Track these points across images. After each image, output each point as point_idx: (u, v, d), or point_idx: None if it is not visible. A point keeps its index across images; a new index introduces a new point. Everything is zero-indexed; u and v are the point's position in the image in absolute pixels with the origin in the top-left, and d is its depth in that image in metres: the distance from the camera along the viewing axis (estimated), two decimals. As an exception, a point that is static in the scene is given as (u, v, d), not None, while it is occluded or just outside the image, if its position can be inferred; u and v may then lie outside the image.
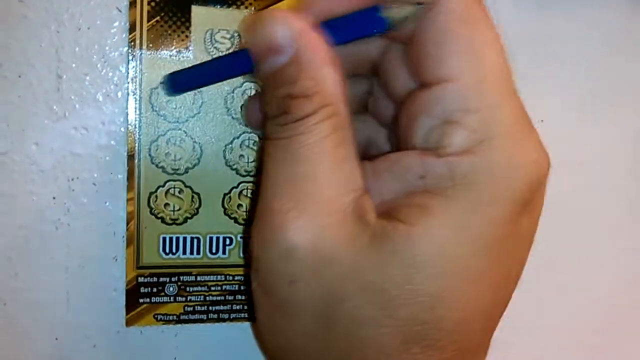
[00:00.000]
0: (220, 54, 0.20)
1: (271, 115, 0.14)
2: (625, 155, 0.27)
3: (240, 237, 0.22)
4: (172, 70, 0.19)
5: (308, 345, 0.13)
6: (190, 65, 0.20)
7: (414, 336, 0.12)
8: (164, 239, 0.21)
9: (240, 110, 0.21)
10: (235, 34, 0.20)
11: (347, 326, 0.13)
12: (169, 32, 0.20)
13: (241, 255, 0.22)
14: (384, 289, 0.12)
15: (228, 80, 0.20)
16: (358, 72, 0.17)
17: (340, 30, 0.14)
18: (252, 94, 0.21)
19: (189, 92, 0.20)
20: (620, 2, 0.25)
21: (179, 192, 0.21)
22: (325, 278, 0.13)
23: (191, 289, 0.21)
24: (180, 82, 0.18)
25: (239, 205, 0.21)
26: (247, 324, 0.22)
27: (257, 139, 0.21)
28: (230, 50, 0.20)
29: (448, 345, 0.13)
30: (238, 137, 0.21)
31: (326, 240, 0.13)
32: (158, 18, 0.19)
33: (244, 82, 0.20)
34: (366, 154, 0.17)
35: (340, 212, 0.13)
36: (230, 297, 0.22)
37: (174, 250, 0.21)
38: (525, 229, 0.13)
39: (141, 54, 0.19)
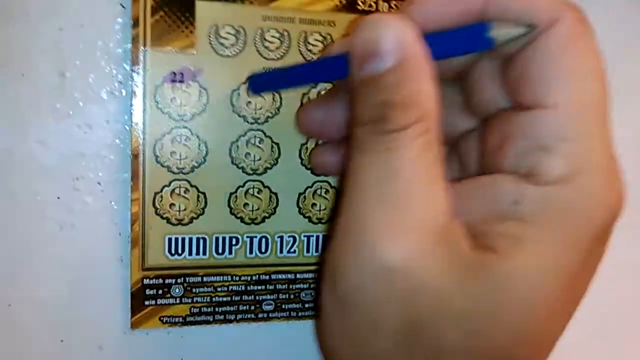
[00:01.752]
0: (225, 49, 0.20)
1: (363, 121, 0.13)
2: (633, 153, 0.26)
3: (247, 237, 0.21)
4: (191, 67, 0.19)
5: None
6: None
7: None
8: (170, 239, 0.20)
9: (245, 106, 0.20)
10: (241, 29, 0.20)
11: (428, 352, 0.13)
12: (173, 27, 0.19)
13: (248, 255, 0.21)
14: (473, 320, 0.12)
15: (230, 78, 0.20)
16: (440, 78, 0.16)
17: (443, 44, 0.14)
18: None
19: (195, 89, 0.20)
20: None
21: (185, 192, 0.20)
22: (416, 302, 0.12)
23: (197, 290, 0.21)
24: (263, 83, 0.19)
25: (246, 205, 0.21)
26: (254, 324, 0.22)
27: (263, 136, 0.21)
28: (235, 46, 0.20)
29: None
30: (244, 135, 0.20)
31: (420, 264, 0.12)
32: (162, 13, 0.19)
33: (249, 79, 0.20)
34: None
35: (434, 235, 0.13)
36: (237, 298, 0.21)
37: (179, 251, 0.21)
38: (594, 263, 0.14)
39: (145, 50, 0.19)
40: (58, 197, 0.20)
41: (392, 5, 0.21)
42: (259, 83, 0.19)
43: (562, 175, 0.12)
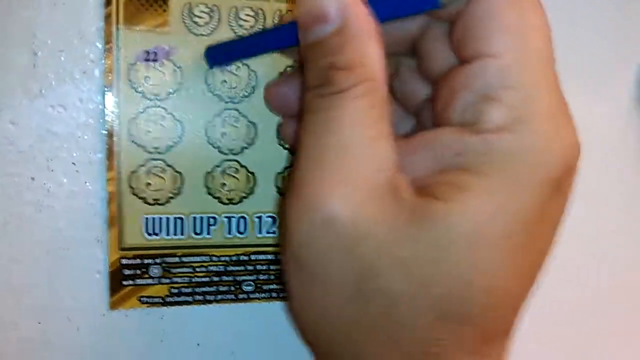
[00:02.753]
0: (200, 28, 0.20)
1: (311, 85, 0.14)
2: (610, 138, 0.26)
3: (225, 217, 0.21)
4: (162, 45, 0.19)
5: (340, 318, 0.13)
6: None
7: (447, 312, 0.12)
8: (147, 219, 0.20)
9: (220, 85, 0.20)
10: (215, 8, 0.20)
11: (381, 301, 0.13)
12: (146, 6, 0.19)
13: (226, 235, 0.21)
14: (420, 265, 0.12)
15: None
16: (393, 50, 0.16)
17: (389, 6, 0.14)
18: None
19: (169, 68, 0.19)
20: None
21: (161, 172, 0.20)
22: (361, 251, 0.13)
23: (176, 270, 0.21)
24: (220, 55, 0.18)
25: (223, 184, 0.21)
26: (234, 305, 0.22)
27: (238, 115, 0.21)
28: (209, 24, 0.20)
29: (480, 322, 0.13)
30: (220, 115, 0.20)
31: (362, 214, 0.13)
32: (134, -8, 0.19)
33: (224, 57, 0.20)
34: None
35: (375, 187, 0.13)
36: (216, 278, 0.21)
37: (157, 231, 0.21)
38: (553, 215, 0.13)
39: (118, 28, 0.19)
40: (32, 178, 0.20)
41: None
42: (215, 56, 0.19)
43: (504, 123, 0.12)
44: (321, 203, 0.13)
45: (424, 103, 0.17)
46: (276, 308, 0.23)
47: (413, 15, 0.15)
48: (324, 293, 0.13)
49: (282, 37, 0.16)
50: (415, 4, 0.14)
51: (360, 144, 0.13)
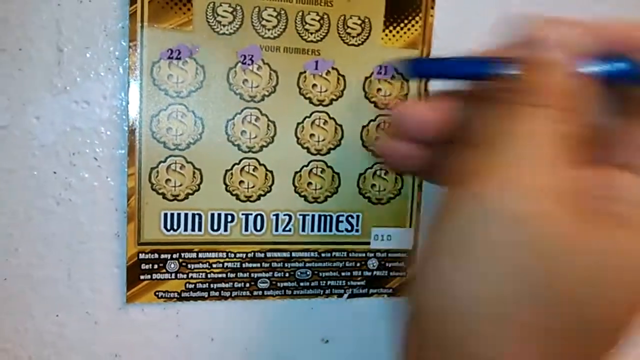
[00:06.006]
0: (223, 27, 0.20)
1: (510, 89, 0.15)
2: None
3: (243, 214, 0.21)
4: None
5: (489, 307, 0.13)
6: None
7: (591, 321, 0.13)
8: (165, 215, 0.21)
9: (242, 84, 0.20)
10: (238, 7, 0.20)
11: (539, 300, 0.13)
12: (171, 4, 0.19)
13: (243, 232, 0.21)
14: (597, 277, 0.13)
15: (227, 56, 0.20)
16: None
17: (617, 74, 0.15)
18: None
19: (192, 66, 0.20)
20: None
21: (181, 168, 0.20)
22: (542, 248, 0.13)
23: (192, 266, 0.21)
24: (422, 68, 0.19)
25: (241, 182, 0.21)
26: (248, 302, 0.22)
27: (259, 114, 0.21)
28: (233, 24, 0.20)
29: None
30: (240, 113, 0.21)
31: (550, 214, 0.13)
32: (159, -10, 0.19)
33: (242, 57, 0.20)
34: None
35: (560, 194, 0.13)
36: (232, 275, 0.22)
37: (175, 227, 0.21)
38: None
39: (142, 26, 0.19)
40: (55, 173, 0.20)
41: (389, -14, 0.21)
42: (418, 68, 0.20)
43: None
44: (505, 200, 0.13)
45: None
46: (290, 305, 0.23)
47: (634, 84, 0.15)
48: (478, 282, 0.13)
49: (486, 67, 0.16)
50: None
51: (536, 158, 0.14)
